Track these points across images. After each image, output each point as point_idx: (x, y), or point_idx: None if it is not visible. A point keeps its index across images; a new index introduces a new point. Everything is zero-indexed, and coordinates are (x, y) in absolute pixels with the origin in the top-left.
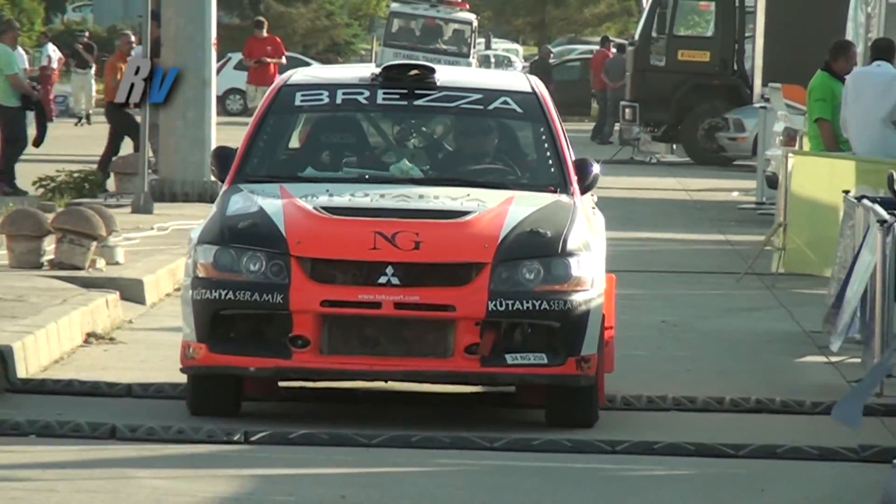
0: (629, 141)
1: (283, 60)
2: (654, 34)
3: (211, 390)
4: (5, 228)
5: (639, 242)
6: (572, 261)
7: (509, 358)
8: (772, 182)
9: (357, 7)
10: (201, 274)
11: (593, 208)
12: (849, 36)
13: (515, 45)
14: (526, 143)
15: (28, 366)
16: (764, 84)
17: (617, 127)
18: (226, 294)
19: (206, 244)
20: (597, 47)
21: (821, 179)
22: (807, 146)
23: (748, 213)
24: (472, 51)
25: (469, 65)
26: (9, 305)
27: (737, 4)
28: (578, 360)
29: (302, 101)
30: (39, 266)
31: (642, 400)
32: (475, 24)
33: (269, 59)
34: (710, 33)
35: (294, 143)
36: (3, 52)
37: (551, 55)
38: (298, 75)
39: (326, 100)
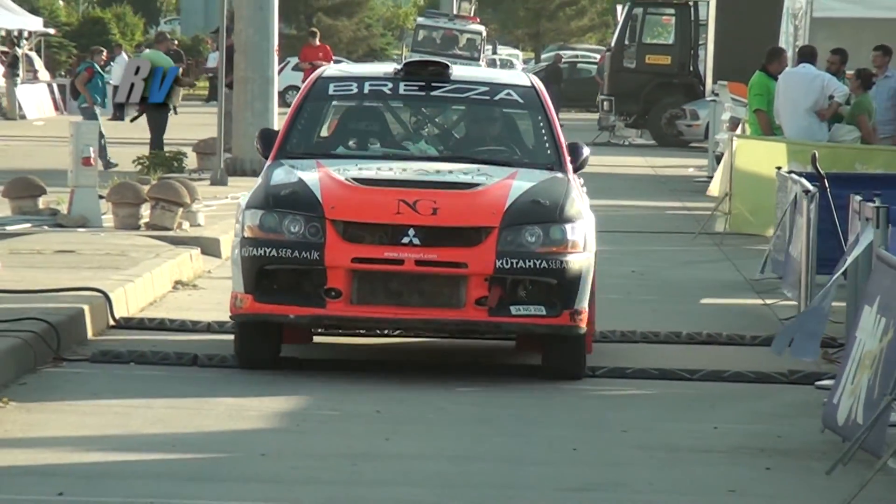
0: (606, 127)
1: (332, 63)
2: (626, 42)
3: (255, 340)
4: (111, 197)
5: (614, 208)
6: (568, 227)
7: (513, 309)
8: (720, 160)
9: (390, 20)
10: (248, 234)
11: (582, 185)
12: (781, 43)
13: (516, 51)
14: (526, 129)
15: (129, 307)
16: (714, 82)
17: (597, 115)
18: (269, 251)
19: (253, 209)
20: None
21: (759, 158)
22: (748, 131)
23: (701, 185)
24: (481, 55)
25: (479, 66)
26: (113, 259)
27: (692, 18)
28: (572, 312)
29: (334, 90)
30: (137, 227)
31: (616, 334)
32: (484, 34)
33: (320, 63)
34: (671, 41)
35: (327, 125)
36: (161, 57)
37: (562, 60)
38: (331, 70)
39: (355, 90)
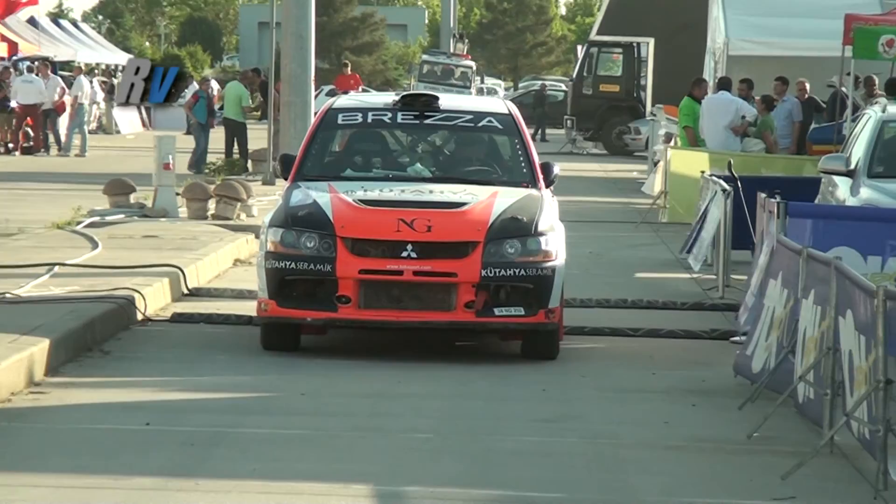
0: (570, 140)
1: (360, 90)
2: (584, 74)
3: (277, 333)
4: (185, 194)
5: (575, 203)
6: (542, 239)
7: (497, 311)
8: (656, 165)
9: (401, 57)
10: (271, 249)
11: (553, 197)
12: (704, 75)
13: (499, 81)
14: (505, 151)
15: (199, 279)
16: (652, 105)
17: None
18: (289, 264)
19: (275, 227)
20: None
21: (688, 164)
22: (679, 143)
23: (642, 185)
24: (472, 84)
25: (470, 93)
26: (186, 242)
27: (635, 56)
28: (546, 311)
29: (342, 120)
30: (205, 218)
31: (577, 301)
32: (474, 67)
33: (352, 90)
34: (619, 74)
35: (337, 151)
36: (241, 91)
37: (546, 87)
38: (340, 101)
39: (360, 119)
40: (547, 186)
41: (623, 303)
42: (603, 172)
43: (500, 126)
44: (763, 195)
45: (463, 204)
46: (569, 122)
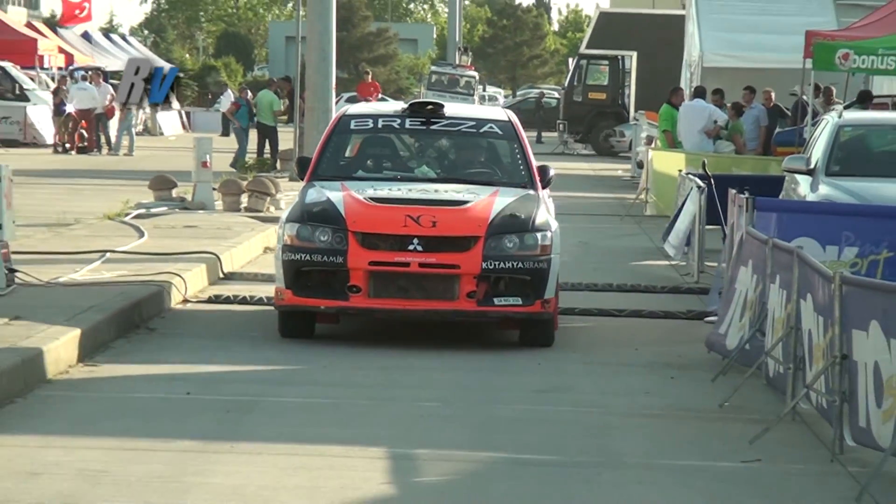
0: (562, 142)
1: (378, 97)
2: (575, 83)
3: (294, 321)
4: (221, 189)
5: (567, 198)
6: (539, 234)
7: (496, 300)
8: (640, 165)
9: (412, 68)
10: (288, 242)
11: (549, 197)
12: (681, 84)
13: (499, 90)
14: (504, 155)
15: (233, 265)
16: (635, 111)
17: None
18: (304, 256)
19: (291, 222)
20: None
21: (667, 164)
22: (659, 145)
23: (627, 182)
24: (475, 92)
25: (473, 101)
26: (222, 231)
27: (620, 67)
28: (542, 301)
29: (355, 126)
30: (239, 210)
31: (568, 285)
32: (477, 77)
33: (371, 97)
34: (605, 83)
35: (350, 154)
36: (272, 97)
37: (544, 95)
38: (352, 109)
39: (371, 125)
40: (543, 187)
41: (609, 287)
42: (591, 171)
43: (500, 132)
44: (734, 191)
45: (465, 202)
46: (561, 126)
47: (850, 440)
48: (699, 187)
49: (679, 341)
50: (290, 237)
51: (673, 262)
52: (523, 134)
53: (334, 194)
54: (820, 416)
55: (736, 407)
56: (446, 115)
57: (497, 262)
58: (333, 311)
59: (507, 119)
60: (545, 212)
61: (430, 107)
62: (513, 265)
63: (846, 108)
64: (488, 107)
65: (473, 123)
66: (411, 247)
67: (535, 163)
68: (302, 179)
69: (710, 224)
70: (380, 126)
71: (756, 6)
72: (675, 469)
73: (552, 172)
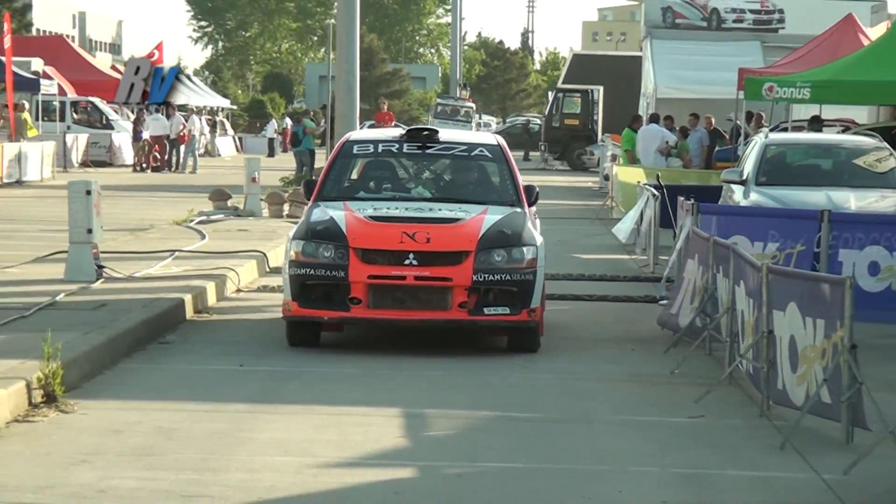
0: (544, 160)
1: (393, 125)
2: (554, 112)
3: (300, 330)
4: (267, 199)
5: (546, 205)
6: (525, 249)
7: (486, 310)
8: (606, 178)
9: (421, 100)
10: (293, 258)
11: (535, 214)
12: (639, 112)
13: (492, 118)
14: (494, 176)
15: (277, 261)
16: (602, 134)
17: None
18: (309, 271)
19: (297, 239)
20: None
21: (629, 177)
22: (621, 162)
23: (595, 192)
24: (472, 120)
25: (470, 127)
26: (268, 234)
27: (590, 99)
28: (529, 311)
29: (357, 150)
30: (282, 216)
31: (548, 275)
32: (474, 108)
33: (387, 123)
34: (578, 111)
35: (352, 176)
36: (309, 124)
37: (530, 122)
38: (355, 134)
39: (372, 149)
40: (529, 205)
41: (582, 276)
42: (567, 183)
43: (490, 155)
44: (682, 199)
45: (457, 220)
46: (542, 146)
47: (773, 401)
48: (654, 195)
49: (637, 320)
50: (296, 253)
51: (633, 256)
52: (511, 157)
53: (337, 213)
54: (750, 380)
55: (684, 373)
56: (441, 140)
57: (486, 275)
58: (336, 321)
59: (496, 143)
60: (531, 228)
61: (426, 132)
62: (501, 277)
63: (771, 130)
64: (479, 132)
65: (465, 147)
66: (407, 261)
67: (521, 183)
68: (308, 200)
69: (664, 226)
70: (380, 150)
71: (699, 48)
72: (635, 424)
73: (538, 191)
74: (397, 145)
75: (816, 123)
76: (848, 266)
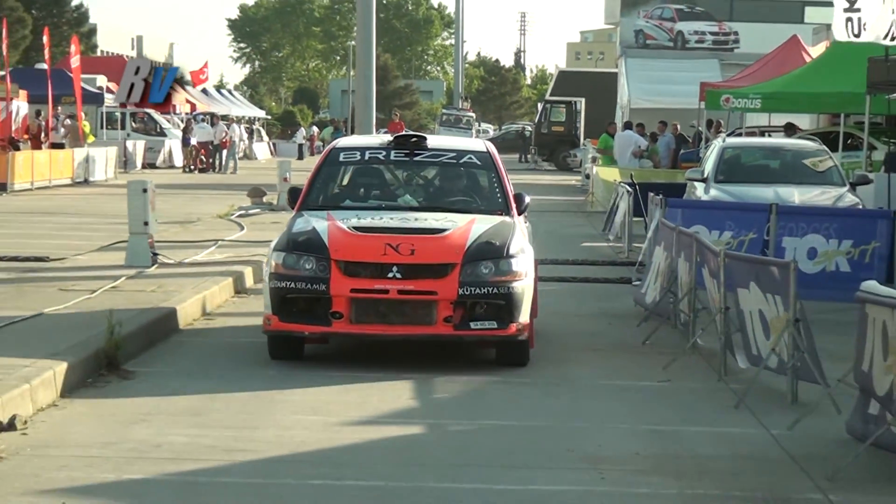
0: (534, 161)
1: (405, 131)
2: (542, 120)
3: (282, 344)
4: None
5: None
6: (513, 261)
7: (472, 325)
8: (587, 177)
9: (429, 111)
10: (274, 270)
11: (525, 222)
12: (615, 120)
13: (489, 125)
14: (483, 184)
15: None
16: (584, 139)
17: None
18: (290, 284)
19: (279, 251)
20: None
21: (606, 176)
22: (600, 163)
23: (578, 188)
24: (472, 127)
25: (470, 134)
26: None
27: (574, 109)
28: (517, 325)
29: (343, 157)
30: None
31: (538, 260)
32: (474, 116)
33: (399, 131)
34: (563, 120)
35: (338, 184)
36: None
37: (525, 129)
38: (342, 141)
39: (359, 156)
40: (519, 214)
41: (566, 261)
42: (554, 181)
43: (478, 162)
44: (652, 194)
45: (443, 230)
46: (533, 150)
47: (744, 364)
48: (628, 192)
49: (614, 298)
50: (277, 265)
51: (610, 244)
52: (501, 164)
53: (319, 224)
54: (714, 349)
55: (653, 344)
56: (429, 147)
57: (473, 288)
58: (317, 336)
59: (485, 150)
60: (520, 238)
61: (413, 139)
62: (488, 291)
63: (728, 135)
64: (469, 139)
65: (454, 155)
66: (391, 274)
67: (511, 191)
68: (292, 208)
69: (636, 217)
70: (367, 158)
71: (667, 65)
72: (612, 387)
73: (528, 199)
74: (384, 152)
75: (791, 130)
76: (790, 251)
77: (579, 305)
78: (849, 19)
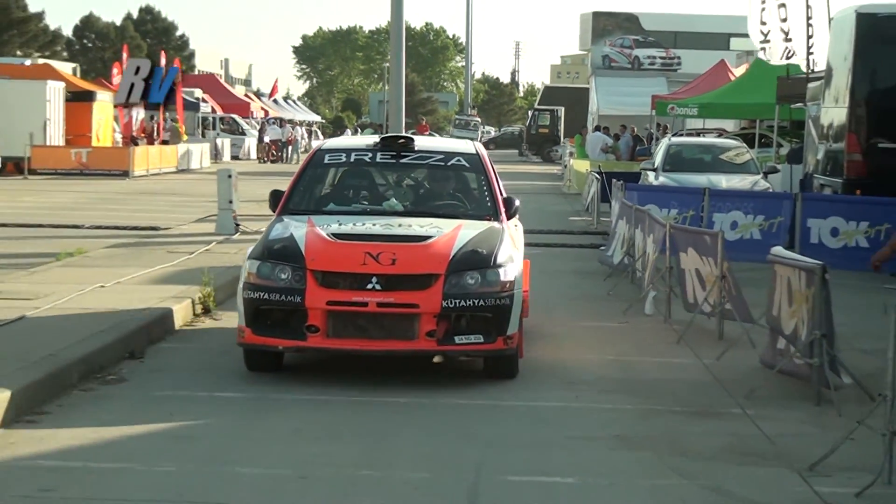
0: (524, 155)
1: (428, 134)
2: (532, 123)
3: (258, 356)
4: None
5: (526, 185)
6: (500, 271)
7: (457, 339)
8: (565, 167)
9: (446, 117)
10: (248, 280)
11: (516, 226)
12: (587, 124)
13: (492, 127)
14: (471, 187)
15: None
16: (563, 138)
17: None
18: (263, 295)
19: (253, 259)
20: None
21: (580, 167)
22: (576, 156)
23: (558, 176)
24: (479, 129)
25: (477, 135)
26: None
27: (556, 116)
28: (505, 338)
29: (328, 159)
30: None
31: (526, 230)
32: (480, 120)
33: (422, 133)
34: (548, 123)
35: (321, 187)
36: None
37: (522, 129)
38: (328, 143)
39: (344, 158)
40: (508, 218)
41: (550, 231)
42: (540, 170)
43: (467, 164)
44: (615, 181)
45: (427, 238)
46: (524, 146)
47: (684, 310)
48: (597, 179)
49: (586, 259)
50: (251, 274)
51: (583, 218)
52: (490, 166)
53: (298, 230)
54: (661, 298)
55: (616, 294)
56: (416, 148)
57: (457, 301)
58: (292, 351)
59: (474, 152)
60: (509, 245)
61: (401, 141)
62: (474, 303)
63: (673, 135)
64: (458, 140)
65: (442, 157)
66: (370, 286)
67: (501, 194)
68: (274, 212)
69: (603, 199)
70: (352, 160)
71: (626, 82)
72: (585, 327)
73: (517, 203)
74: (370, 154)
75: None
76: (718, 224)
77: (560, 264)
78: (762, 48)
